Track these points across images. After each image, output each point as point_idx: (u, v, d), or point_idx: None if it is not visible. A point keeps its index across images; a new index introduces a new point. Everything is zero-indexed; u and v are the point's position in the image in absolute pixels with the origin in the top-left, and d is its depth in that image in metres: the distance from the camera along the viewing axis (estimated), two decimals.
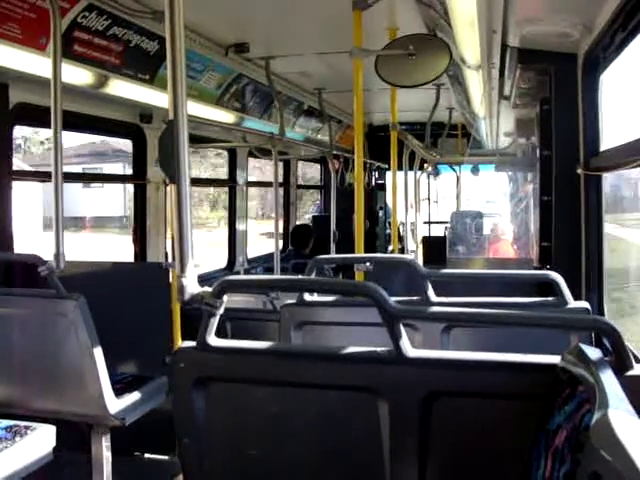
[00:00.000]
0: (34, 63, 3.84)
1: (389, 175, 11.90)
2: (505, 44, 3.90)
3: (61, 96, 3.58)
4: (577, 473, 1.35)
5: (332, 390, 1.98)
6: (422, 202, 10.44)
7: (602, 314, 3.76)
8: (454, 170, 11.43)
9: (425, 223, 11.41)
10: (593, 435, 1.23)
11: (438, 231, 12.03)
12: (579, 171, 3.83)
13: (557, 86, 4.03)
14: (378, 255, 7.33)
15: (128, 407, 3.68)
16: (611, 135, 3.88)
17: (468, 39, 3.71)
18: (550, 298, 2.92)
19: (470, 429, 1.90)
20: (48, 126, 3.70)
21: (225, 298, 1.98)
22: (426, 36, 4.40)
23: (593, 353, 1.62)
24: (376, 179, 12.19)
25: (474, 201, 15.70)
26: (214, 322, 2.01)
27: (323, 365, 1.98)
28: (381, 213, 12.14)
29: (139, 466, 4.40)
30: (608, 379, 1.44)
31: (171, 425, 4.32)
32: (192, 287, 2.04)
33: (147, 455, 4.50)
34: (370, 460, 1.97)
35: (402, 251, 7.22)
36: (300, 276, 4.77)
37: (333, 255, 5.69)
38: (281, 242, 8.90)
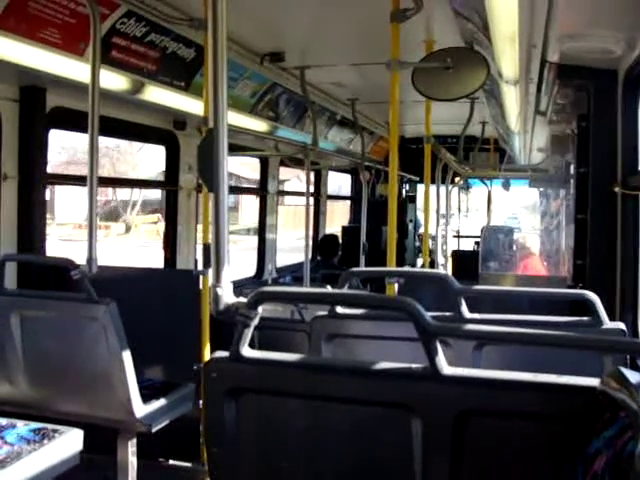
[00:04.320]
0: (72, 68, 3.87)
1: (420, 188, 11.94)
2: (544, 59, 3.86)
3: (99, 101, 3.60)
4: None
5: (365, 405, 1.96)
6: (452, 216, 10.38)
7: (637, 335, 3.70)
8: (485, 184, 11.36)
9: (455, 237, 11.34)
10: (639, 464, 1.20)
11: (465, 245, 11.97)
12: (616, 189, 3.79)
13: (596, 102, 3.99)
14: (412, 270, 7.28)
15: (155, 413, 3.67)
16: None
17: (507, 53, 3.68)
18: (585, 318, 2.88)
19: (504, 450, 1.86)
20: (82, 130, 3.73)
21: (260, 309, 1.97)
22: (464, 49, 4.37)
23: (634, 377, 1.58)
24: (407, 191, 12.14)
25: (496, 216, 15.56)
26: (248, 333, 2.00)
27: (357, 380, 1.96)
28: (410, 226, 12.09)
29: (164, 472, 4.40)
30: None
31: (197, 432, 4.33)
32: (227, 297, 2.03)
33: (172, 462, 4.49)
34: (401, 477, 1.94)
35: (432, 264, 7.18)
36: (329, 287, 4.76)
37: (367, 268, 5.65)
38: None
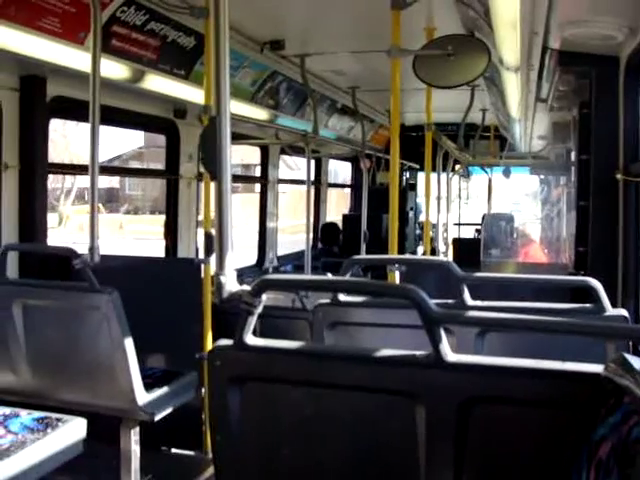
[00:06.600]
0: (73, 57, 3.87)
1: (420, 175, 11.93)
2: (546, 46, 3.85)
3: (99, 90, 3.59)
4: None
5: (368, 393, 1.96)
6: (453, 203, 10.37)
7: (639, 322, 3.70)
8: (485, 172, 11.35)
9: (456, 225, 11.33)
10: None
11: (466, 233, 11.98)
12: (618, 176, 3.78)
13: (598, 89, 3.97)
14: (415, 257, 7.27)
15: (157, 401, 3.68)
16: None
17: (508, 40, 3.66)
18: (587, 305, 2.87)
19: (508, 437, 1.86)
20: (83, 119, 3.72)
21: (264, 297, 1.96)
22: (465, 37, 4.36)
23: (638, 363, 1.58)
24: (407, 179, 12.13)
25: (499, 203, 15.53)
26: (252, 321, 1.99)
27: (360, 367, 1.95)
28: (411, 214, 12.09)
29: (166, 461, 4.41)
30: None
31: (199, 421, 4.34)
32: (231, 285, 2.02)
33: (174, 450, 4.50)
34: (405, 465, 1.94)
35: (433, 252, 7.18)
36: (330, 274, 4.75)
37: (369, 256, 5.65)
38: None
